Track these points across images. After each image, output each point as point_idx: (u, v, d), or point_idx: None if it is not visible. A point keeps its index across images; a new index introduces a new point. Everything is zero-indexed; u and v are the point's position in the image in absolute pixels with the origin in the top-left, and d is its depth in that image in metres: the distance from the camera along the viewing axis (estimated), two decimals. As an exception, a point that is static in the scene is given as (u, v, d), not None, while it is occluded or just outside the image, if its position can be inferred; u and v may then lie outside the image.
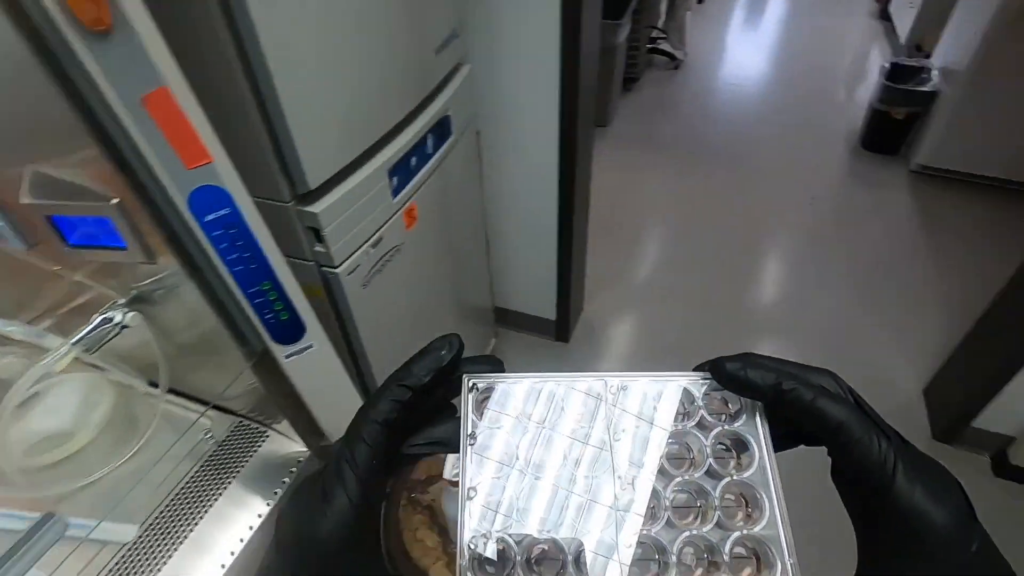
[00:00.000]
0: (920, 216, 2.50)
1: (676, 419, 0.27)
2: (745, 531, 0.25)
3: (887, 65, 2.79)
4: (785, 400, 0.25)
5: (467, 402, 0.28)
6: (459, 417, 0.28)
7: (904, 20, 3.65)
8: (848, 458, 0.24)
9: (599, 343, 2.00)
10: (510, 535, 0.25)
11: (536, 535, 0.25)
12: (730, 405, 0.28)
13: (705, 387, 0.28)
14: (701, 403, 0.28)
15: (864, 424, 0.24)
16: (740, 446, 0.27)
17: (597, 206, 2.56)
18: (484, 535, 0.25)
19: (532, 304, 1.90)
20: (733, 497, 0.26)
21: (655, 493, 0.26)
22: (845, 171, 2.82)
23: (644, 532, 0.25)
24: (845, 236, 2.46)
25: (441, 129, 1.15)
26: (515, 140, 1.53)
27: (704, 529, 0.26)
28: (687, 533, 0.26)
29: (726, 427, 0.27)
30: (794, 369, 0.26)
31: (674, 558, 0.25)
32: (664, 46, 3.79)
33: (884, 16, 4.18)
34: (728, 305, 2.15)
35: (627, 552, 0.25)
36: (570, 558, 0.25)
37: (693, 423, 0.28)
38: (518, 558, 0.25)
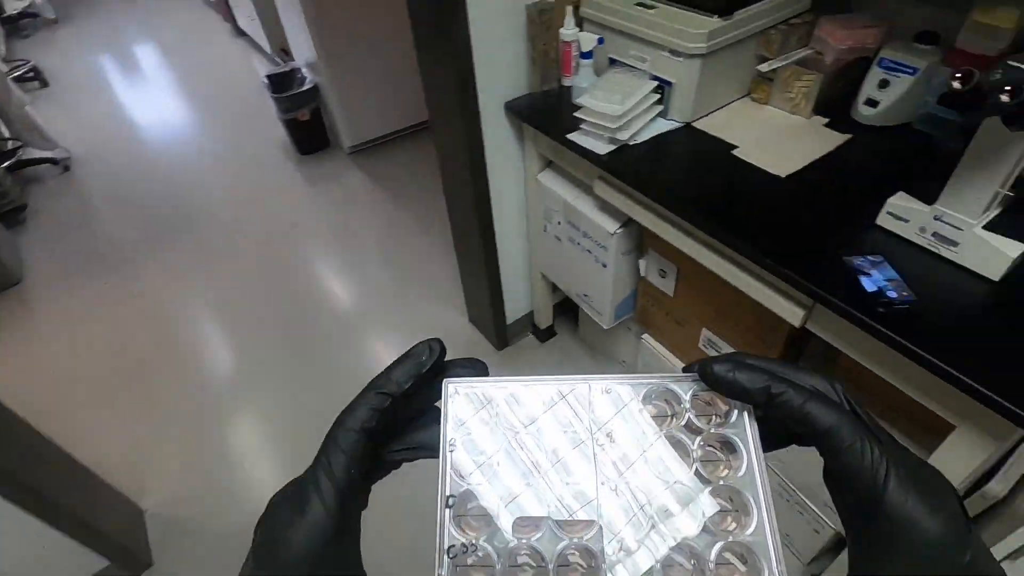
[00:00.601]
0: (375, 185, 2.79)
1: (663, 422, 0.27)
2: (731, 538, 0.25)
3: (265, 80, 2.89)
4: (774, 404, 0.25)
5: (447, 408, 0.27)
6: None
7: (257, 32, 3.83)
8: (839, 463, 0.23)
9: (192, 524, 1.57)
10: (491, 543, 0.25)
11: (518, 543, 0.25)
12: (720, 405, 0.27)
13: (693, 389, 0.27)
14: (688, 405, 0.27)
15: (856, 429, 0.23)
16: (730, 448, 0.27)
17: (99, 367, 1.96)
18: (464, 544, 0.25)
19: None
20: (724, 501, 0.26)
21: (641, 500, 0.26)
22: (303, 183, 2.89)
23: (629, 538, 0.25)
24: (345, 232, 2.57)
25: None
26: None
27: (691, 535, 0.25)
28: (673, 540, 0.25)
29: (713, 430, 0.27)
30: (784, 370, 0.26)
31: (658, 565, 0.24)
32: (33, 153, 3.04)
33: (241, 33, 4.33)
34: (317, 353, 2.00)
35: (612, 559, 0.24)
36: (551, 566, 0.24)
37: (680, 425, 0.27)
38: (499, 567, 0.24)
